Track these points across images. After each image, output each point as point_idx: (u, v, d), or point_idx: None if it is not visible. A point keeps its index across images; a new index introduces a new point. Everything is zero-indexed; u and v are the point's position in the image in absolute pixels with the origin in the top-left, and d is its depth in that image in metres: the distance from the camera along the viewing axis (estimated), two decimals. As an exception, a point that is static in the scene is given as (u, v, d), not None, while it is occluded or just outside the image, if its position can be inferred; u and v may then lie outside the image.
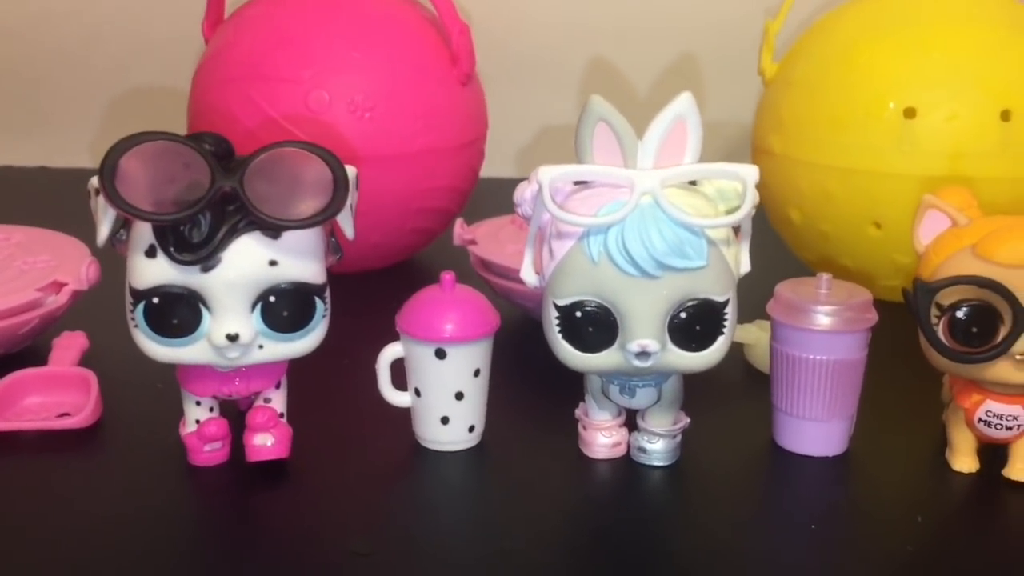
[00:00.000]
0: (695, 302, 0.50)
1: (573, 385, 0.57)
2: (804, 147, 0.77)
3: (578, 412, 0.58)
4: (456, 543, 0.50)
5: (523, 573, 0.47)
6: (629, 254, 0.48)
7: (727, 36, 1.08)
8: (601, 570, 0.48)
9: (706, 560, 0.49)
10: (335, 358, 0.57)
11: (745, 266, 0.53)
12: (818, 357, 0.55)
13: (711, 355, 0.51)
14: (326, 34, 0.80)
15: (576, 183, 0.52)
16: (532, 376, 0.63)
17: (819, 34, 0.79)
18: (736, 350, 0.68)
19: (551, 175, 0.50)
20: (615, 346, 0.50)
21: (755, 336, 0.66)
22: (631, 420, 0.57)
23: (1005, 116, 0.70)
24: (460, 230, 0.78)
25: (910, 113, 0.71)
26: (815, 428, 0.57)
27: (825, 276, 0.56)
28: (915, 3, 0.75)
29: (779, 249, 0.85)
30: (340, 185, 0.49)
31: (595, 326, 0.50)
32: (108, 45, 1.21)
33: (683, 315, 0.50)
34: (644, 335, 0.49)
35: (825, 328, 0.55)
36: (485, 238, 0.77)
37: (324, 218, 0.48)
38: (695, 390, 0.59)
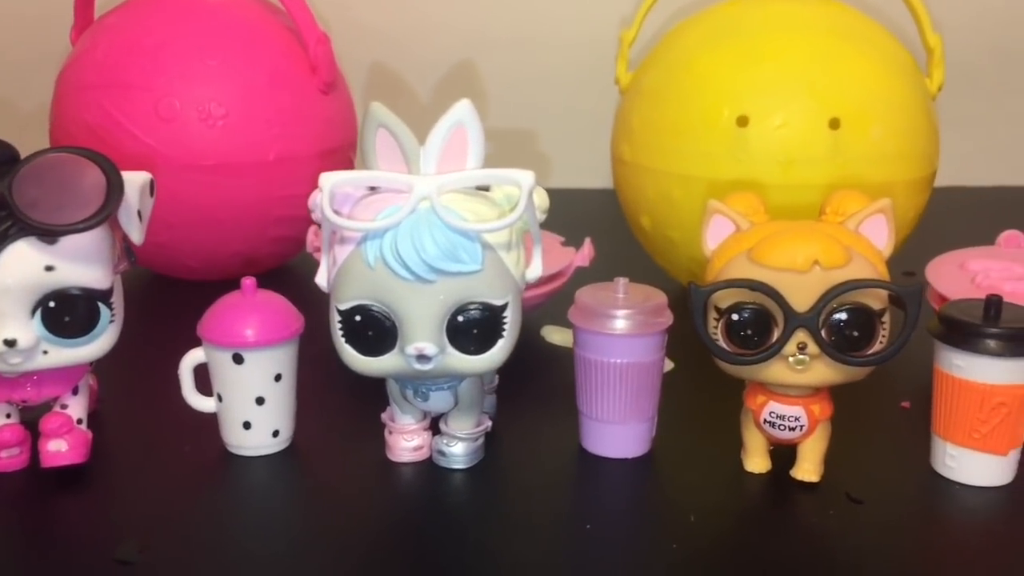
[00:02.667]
0: (472, 306, 0.50)
1: (385, 390, 0.58)
2: (650, 155, 0.78)
3: (384, 416, 0.58)
4: (252, 546, 0.50)
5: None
6: (402, 259, 0.49)
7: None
8: (396, 570, 0.48)
9: (479, 561, 0.49)
10: (153, 362, 0.58)
11: (535, 270, 0.54)
12: (613, 360, 0.56)
13: (491, 358, 0.51)
14: (180, 42, 0.80)
15: (371, 189, 0.52)
16: (347, 380, 0.63)
17: (666, 44, 0.80)
18: (557, 355, 0.69)
19: (332, 181, 0.51)
20: (396, 350, 0.51)
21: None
22: (438, 424, 0.58)
23: (834, 124, 0.71)
24: (312, 237, 0.78)
25: (743, 121, 0.72)
26: (615, 431, 0.57)
27: (622, 280, 0.57)
28: (752, 14, 0.77)
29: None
30: (114, 190, 0.49)
31: (374, 330, 0.51)
32: None
33: (460, 319, 0.50)
34: (421, 339, 0.50)
35: (619, 332, 0.55)
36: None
37: (92, 223, 0.48)
38: (515, 393, 0.60)
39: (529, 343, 0.74)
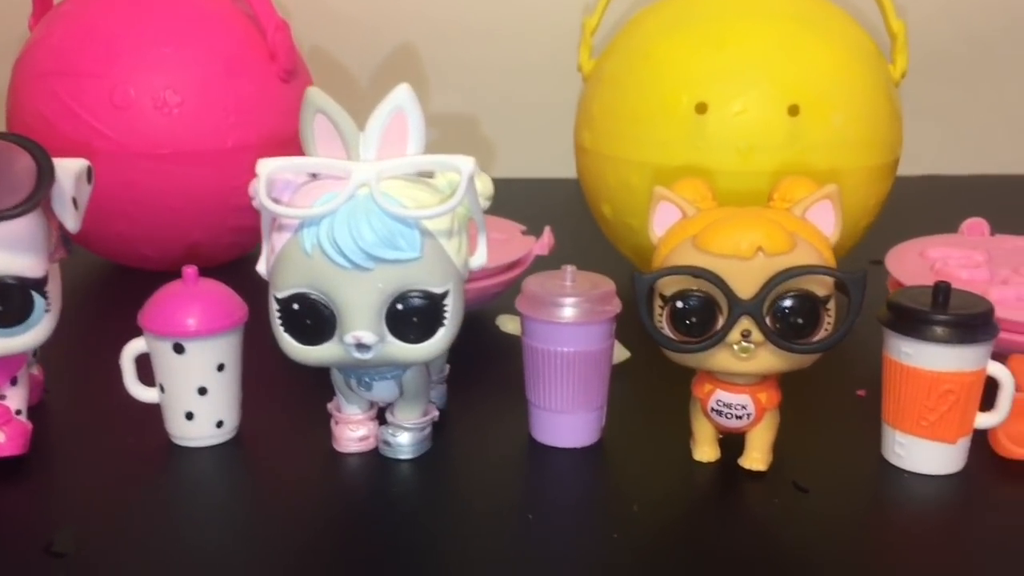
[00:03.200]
0: (411, 293, 0.49)
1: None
2: (610, 142, 0.77)
3: (330, 406, 0.57)
4: (193, 537, 0.50)
5: (254, 567, 0.47)
6: (339, 246, 0.48)
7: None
8: (339, 562, 0.47)
9: (422, 553, 0.48)
10: (103, 352, 0.57)
11: (479, 258, 0.53)
12: (560, 349, 0.55)
13: (432, 346, 0.51)
14: (135, 29, 0.79)
15: (313, 176, 0.51)
16: (294, 370, 0.62)
17: (627, 31, 0.80)
18: (512, 345, 0.68)
19: (269, 167, 0.50)
20: (335, 338, 0.50)
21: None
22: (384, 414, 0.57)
23: (793, 111, 0.70)
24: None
25: (702, 108, 0.71)
26: (564, 420, 0.57)
27: (570, 268, 0.56)
28: (712, 1, 0.76)
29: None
30: (44, 176, 0.48)
31: (313, 318, 0.50)
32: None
33: (400, 306, 0.49)
34: (359, 327, 0.49)
35: (565, 320, 0.55)
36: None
37: (21, 210, 0.47)
38: (467, 382, 0.59)
39: (484, 332, 0.73)
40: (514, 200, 1.02)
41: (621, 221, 0.78)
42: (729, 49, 0.72)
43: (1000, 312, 0.61)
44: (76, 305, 0.63)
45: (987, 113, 1.23)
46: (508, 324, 0.72)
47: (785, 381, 0.55)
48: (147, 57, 0.78)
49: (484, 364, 0.67)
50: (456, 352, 0.63)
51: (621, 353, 0.67)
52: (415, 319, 0.50)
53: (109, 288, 0.85)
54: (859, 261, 0.78)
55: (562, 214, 0.88)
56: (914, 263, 0.70)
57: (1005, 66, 1.22)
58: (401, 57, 1.18)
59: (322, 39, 1.16)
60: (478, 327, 0.72)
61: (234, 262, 0.87)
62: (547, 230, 0.76)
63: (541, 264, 0.75)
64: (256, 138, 0.82)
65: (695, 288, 0.50)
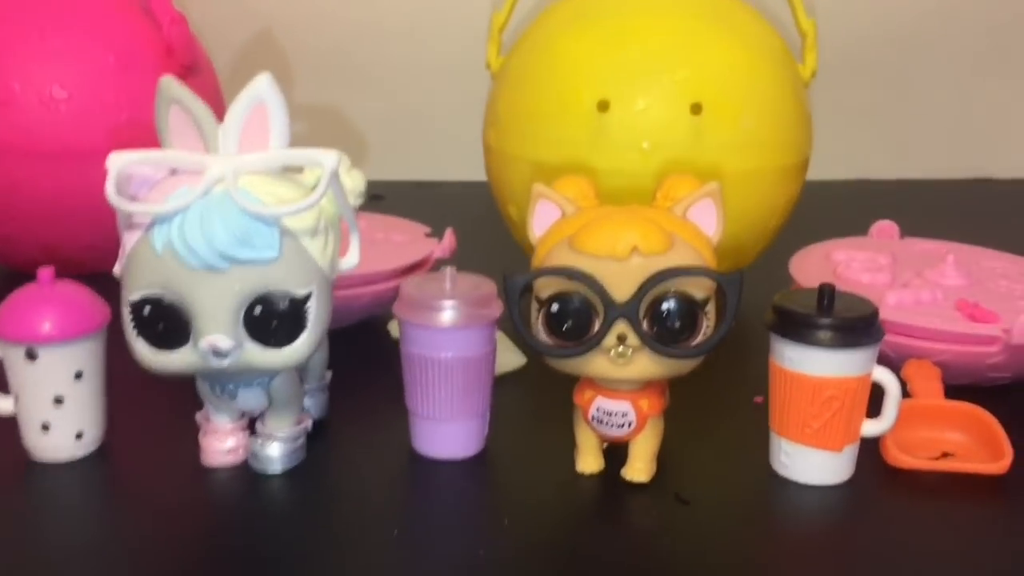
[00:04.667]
0: (270, 296, 0.47)
1: (201, 387, 0.54)
2: (512, 141, 0.75)
3: (199, 416, 0.54)
4: (49, 557, 0.46)
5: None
6: (189, 245, 0.45)
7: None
8: None
9: (283, 573, 0.46)
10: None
11: (351, 260, 0.51)
12: (439, 355, 0.53)
13: (294, 352, 0.48)
14: (19, 22, 0.76)
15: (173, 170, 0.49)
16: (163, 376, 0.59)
17: (532, 28, 0.78)
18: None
19: (120, 161, 0.47)
20: (190, 344, 0.47)
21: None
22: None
23: (696, 109, 0.69)
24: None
25: (604, 106, 0.69)
26: (444, 429, 0.54)
27: (449, 270, 0.54)
28: (616, -4, 0.74)
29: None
30: None
31: (166, 323, 0.47)
32: None
33: (258, 309, 0.47)
34: (214, 331, 0.46)
35: (444, 324, 0.52)
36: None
37: None
38: (351, 390, 0.56)
39: (376, 338, 0.70)
40: (426, 203, 1.00)
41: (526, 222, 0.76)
42: (631, 46, 0.71)
43: (897, 316, 0.60)
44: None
45: (908, 116, 1.23)
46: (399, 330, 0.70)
47: (679, 389, 0.53)
48: (32, 50, 0.75)
49: (372, 371, 0.64)
50: (343, 358, 0.61)
51: (517, 359, 0.65)
52: (275, 323, 0.47)
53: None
54: (768, 263, 0.78)
55: (474, 217, 0.86)
56: (818, 266, 0.69)
57: (925, 68, 1.22)
58: (317, 56, 1.15)
59: (239, 38, 1.13)
60: (371, 332, 0.70)
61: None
62: (448, 232, 0.74)
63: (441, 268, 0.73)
64: (152, 135, 0.78)
65: (570, 291, 0.48)
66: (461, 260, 0.72)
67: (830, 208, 0.94)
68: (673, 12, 0.73)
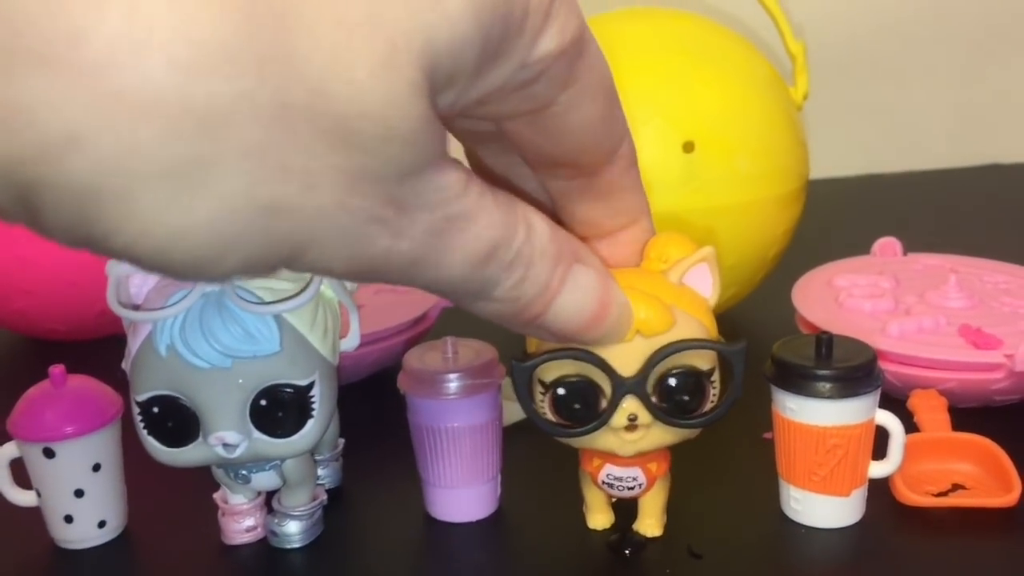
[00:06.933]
0: (274, 388, 0.48)
1: (218, 468, 0.55)
2: (511, 187, 0.75)
3: (216, 497, 0.56)
4: None
5: None
6: (191, 346, 0.46)
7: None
8: None
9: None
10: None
11: (352, 341, 0.52)
12: (446, 425, 0.54)
13: (302, 440, 0.49)
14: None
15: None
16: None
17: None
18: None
19: (118, 271, 0.48)
20: (200, 438, 0.49)
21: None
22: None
23: (688, 148, 0.69)
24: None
25: (596, 149, 0.70)
26: (456, 495, 0.55)
27: (450, 339, 0.55)
28: (603, 37, 0.73)
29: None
30: None
31: (175, 421, 0.48)
32: None
33: (263, 402, 0.48)
34: (222, 427, 0.48)
35: (449, 396, 0.53)
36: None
37: None
38: (365, 454, 0.57)
39: (386, 395, 0.70)
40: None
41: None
42: (620, 87, 0.71)
43: (900, 347, 0.60)
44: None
45: (910, 107, 1.23)
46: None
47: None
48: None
49: (384, 431, 0.65)
50: (354, 417, 0.62)
51: (517, 413, 0.66)
52: (281, 414, 0.48)
53: (17, 365, 0.84)
54: (771, 288, 0.78)
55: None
56: (820, 295, 0.69)
57: (924, 58, 1.22)
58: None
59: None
60: (380, 389, 0.71)
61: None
62: (452, 280, 0.74)
63: (449, 316, 0.74)
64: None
65: (574, 374, 0.48)
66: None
67: (834, 211, 0.94)
68: (656, 49, 0.73)
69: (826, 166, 0.89)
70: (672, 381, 0.48)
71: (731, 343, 0.48)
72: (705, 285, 0.50)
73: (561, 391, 0.48)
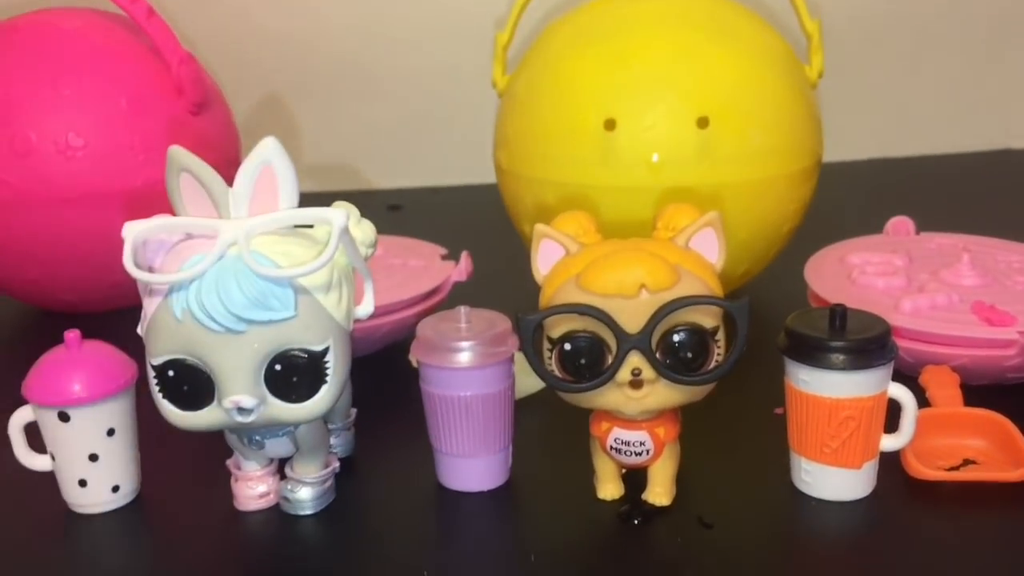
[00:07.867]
0: (289, 353, 0.48)
1: (230, 435, 0.55)
2: (524, 162, 0.75)
3: (229, 463, 0.56)
4: None
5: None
6: (207, 311, 0.46)
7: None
8: None
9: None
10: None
11: (366, 308, 0.52)
12: (458, 394, 0.54)
13: (315, 405, 0.49)
14: (31, 73, 0.77)
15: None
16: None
17: (535, 48, 0.78)
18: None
19: (135, 231, 0.48)
20: (215, 402, 0.49)
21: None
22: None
23: (702, 123, 0.69)
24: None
25: (610, 125, 0.70)
26: (468, 464, 0.55)
27: (464, 309, 0.55)
28: (616, 13, 0.74)
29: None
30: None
31: (190, 384, 0.48)
32: None
33: (278, 367, 0.48)
34: (237, 391, 0.48)
35: (462, 365, 0.53)
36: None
37: None
38: (377, 425, 0.57)
39: (397, 368, 0.70)
40: (443, 209, 1.00)
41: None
42: (634, 63, 0.71)
43: (913, 323, 0.60)
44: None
45: (922, 91, 1.22)
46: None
47: (696, 405, 0.54)
48: (45, 101, 0.76)
49: (395, 403, 0.65)
50: (366, 389, 0.62)
51: (536, 383, 0.66)
52: (295, 379, 0.48)
53: (30, 335, 0.84)
54: (784, 261, 0.78)
55: (490, 220, 0.86)
56: (833, 272, 0.69)
57: (936, 43, 1.21)
58: (329, 66, 1.17)
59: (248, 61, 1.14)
60: (392, 362, 0.71)
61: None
62: (465, 256, 0.74)
63: (462, 289, 0.74)
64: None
65: (581, 329, 0.49)
66: (478, 267, 0.73)
67: (847, 193, 0.93)
68: (672, 25, 0.73)
69: (840, 150, 0.89)
70: (676, 338, 0.48)
71: (734, 301, 0.48)
72: (712, 249, 0.51)
73: (568, 346, 0.49)
